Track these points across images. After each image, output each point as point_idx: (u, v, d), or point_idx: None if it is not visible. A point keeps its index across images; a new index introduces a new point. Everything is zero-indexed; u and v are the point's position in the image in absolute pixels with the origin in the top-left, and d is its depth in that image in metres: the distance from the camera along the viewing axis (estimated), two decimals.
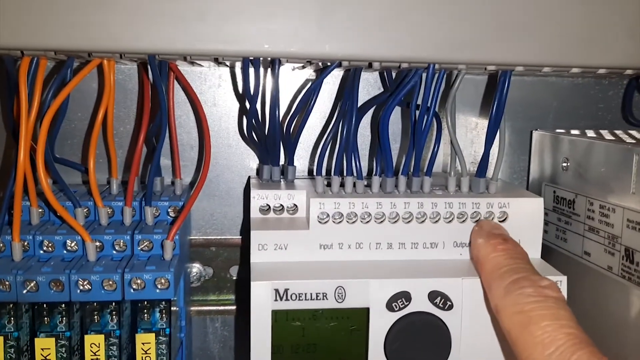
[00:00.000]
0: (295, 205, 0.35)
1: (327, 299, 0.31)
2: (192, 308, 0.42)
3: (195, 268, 0.42)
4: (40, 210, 0.34)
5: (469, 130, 0.43)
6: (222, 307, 0.42)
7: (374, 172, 0.36)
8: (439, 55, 0.31)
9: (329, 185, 0.36)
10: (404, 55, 0.31)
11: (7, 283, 0.30)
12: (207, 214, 0.42)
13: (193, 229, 0.42)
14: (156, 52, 0.29)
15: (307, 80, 0.41)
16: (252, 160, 0.41)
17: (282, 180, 0.38)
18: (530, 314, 0.27)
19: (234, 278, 0.42)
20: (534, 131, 0.42)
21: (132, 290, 0.31)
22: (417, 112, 0.34)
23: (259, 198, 0.35)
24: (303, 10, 0.29)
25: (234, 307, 0.43)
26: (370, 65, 0.32)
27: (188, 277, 0.41)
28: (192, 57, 0.30)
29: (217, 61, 0.34)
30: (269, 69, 0.35)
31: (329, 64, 0.33)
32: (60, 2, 0.27)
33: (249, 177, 0.41)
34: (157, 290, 0.31)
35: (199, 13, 0.28)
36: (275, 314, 0.31)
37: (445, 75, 0.34)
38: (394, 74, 0.38)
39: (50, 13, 0.28)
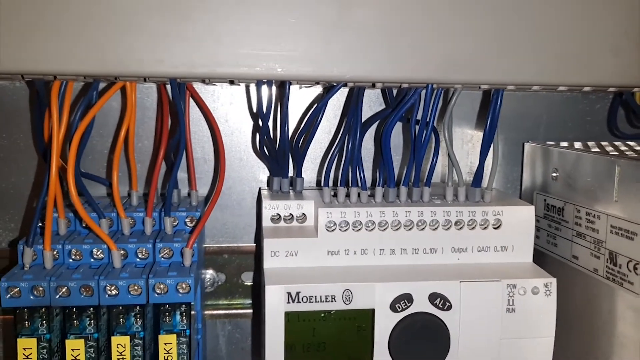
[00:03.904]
0: (304, 214, 0.38)
1: (335, 301, 0.33)
2: (206, 312, 0.44)
3: (209, 274, 0.44)
4: (67, 221, 0.37)
5: (465, 142, 0.46)
6: (234, 311, 0.45)
7: (377, 183, 0.39)
8: (436, 76, 0.33)
9: (335, 195, 0.39)
10: (404, 77, 0.33)
11: (41, 289, 0.33)
12: (220, 223, 0.44)
13: (207, 237, 0.44)
14: (179, 76, 0.32)
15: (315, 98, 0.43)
16: (261, 172, 0.44)
17: (291, 191, 0.41)
18: None
19: (246, 283, 0.45)
20: (525, 143, 0.45)
21: (155, 295, 0.33)
22: (417, 127, 0.37)
23: (270, 208, 0.38)
24: (312, 38, 0.32)
25: (245, 311, 0.45)
26: (373, 85, 0.35)
27: (203, 282, 0.44)
28: (211, 80, 0.33)
29: (232, 82, 0.37)
30: (280, 89, 0.38)
31: (335, 84, 0.36)
32: (92, 31, 0.30)
33: (260, 189, 0.43)
34: (179, 294, 0.33)
35: (218, 41, 0.31)
36: (288, 315, 0.33)
37: (442, 93, 0.37)
38: (394, 91, 0.41)
39: (83, 41, 0.30)
